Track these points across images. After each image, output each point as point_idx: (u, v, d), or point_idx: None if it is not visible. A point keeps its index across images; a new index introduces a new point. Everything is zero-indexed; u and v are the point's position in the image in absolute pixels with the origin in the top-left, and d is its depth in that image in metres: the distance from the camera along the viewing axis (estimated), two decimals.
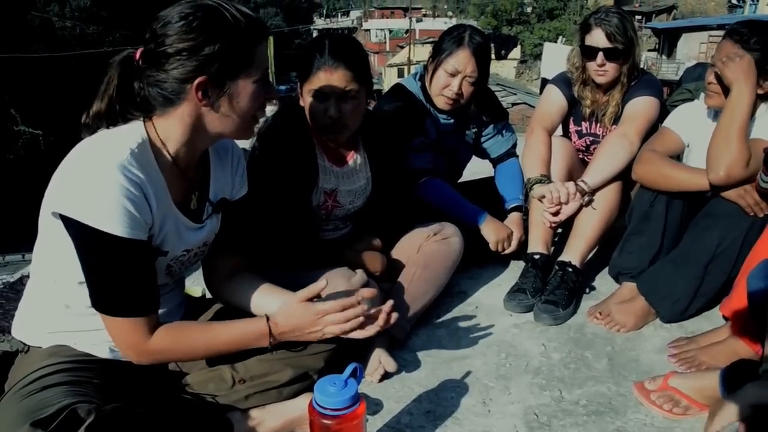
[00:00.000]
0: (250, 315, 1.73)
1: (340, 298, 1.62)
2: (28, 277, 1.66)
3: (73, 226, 1.35)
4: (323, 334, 1.58)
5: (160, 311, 1.66)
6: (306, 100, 2.12)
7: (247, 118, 1.51)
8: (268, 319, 1.57)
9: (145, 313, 1.45)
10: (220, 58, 1.40)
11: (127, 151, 1.39)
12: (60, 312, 1.53)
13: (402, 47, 41.73)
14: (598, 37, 2.63)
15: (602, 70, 2.67)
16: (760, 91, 2.21)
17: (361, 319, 1.58)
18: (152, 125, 1.48)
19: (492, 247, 2.69)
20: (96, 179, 1.34)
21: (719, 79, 2.21)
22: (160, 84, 1.42)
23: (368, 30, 56.14)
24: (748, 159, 2.11)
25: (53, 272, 1.50)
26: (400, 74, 35.03)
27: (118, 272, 1.39)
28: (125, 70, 1.47)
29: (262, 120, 1.88)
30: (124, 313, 1.43)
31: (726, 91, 2.19)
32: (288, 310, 1.58)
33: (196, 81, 1.40)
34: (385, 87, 26.75)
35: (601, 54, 2.63)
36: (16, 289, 2.26)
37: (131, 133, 1.45)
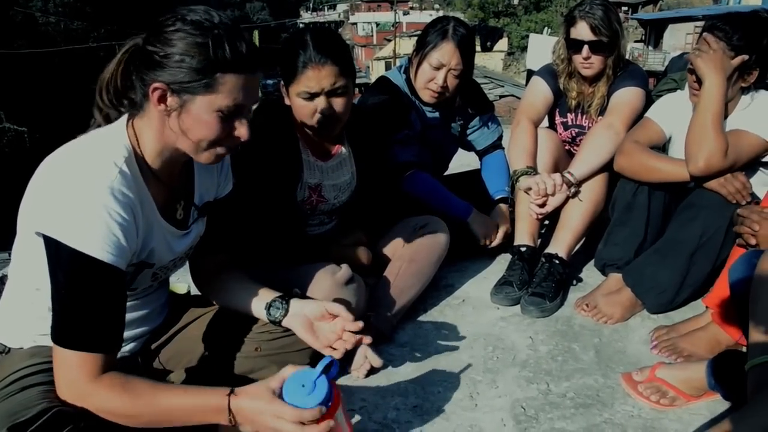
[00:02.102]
0: (237, 313, 1.73)
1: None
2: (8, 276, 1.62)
3: (55, 248, 1.30)
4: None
5: (143, 312, 1.65)
6: (294, 100, 2.08)
7: (200, 142, 1.42)
8: (230, 400, 1.35)
9: (102, 350, 1.34)
10: (183, 70, 1.34)
11: (116, 170, 1.35)
12: (42, 315, 1.47)
13: (389, 40, 41.62)
14: (582, 30, 2.61)
15: (588, 63, 2.66)
16: (743, 84, 2.24)
17: None
18: (134, 133, 1.44)
19: (481, 240, 2.68)
20: (87, 202, 1.30)
21: (694, 72, 2.23)
22: (138, 78, 1.40)
23: (355, 23, 56.07)
24: (726, 148, 2.13)
25: (35, 280, 1.44)
26: (387, 67, 34.87)
27: (90, 301, 1.32)
28: (132, 55, 1.43)
29: None
30: (81, 346, 1.31)
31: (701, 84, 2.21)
32: (255, 391, 1.36)
33: (154, 84, 1.36)
34: (373, 80, 26.70)
35: (586, 47, 2.62)
36: None
37: (117, 145, 1.41)
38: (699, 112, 2.18)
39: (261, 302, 1.70)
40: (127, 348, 1.65)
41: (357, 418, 1.83)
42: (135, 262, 1.47)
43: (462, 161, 3.34)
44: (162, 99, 1.37)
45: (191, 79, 1.34)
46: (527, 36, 32.86)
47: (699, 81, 2.21)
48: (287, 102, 2.12)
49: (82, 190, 1.31)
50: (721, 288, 2.02)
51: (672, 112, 2.43)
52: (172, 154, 1.48)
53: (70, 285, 1.31)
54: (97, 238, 1.30)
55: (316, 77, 1.99)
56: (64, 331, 1.33)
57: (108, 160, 1.36)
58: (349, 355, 2.01)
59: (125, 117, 1.46)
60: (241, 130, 1.43)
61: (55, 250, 1.30)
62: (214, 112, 1.38)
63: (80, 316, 1.32)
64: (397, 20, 40.07)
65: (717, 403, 1.83)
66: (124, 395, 1.32)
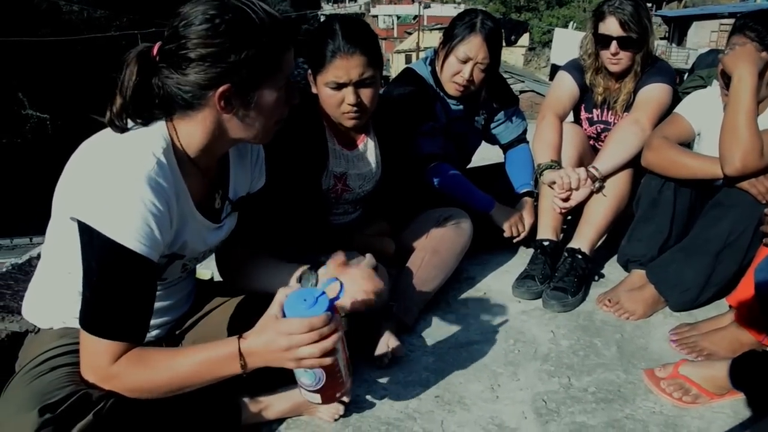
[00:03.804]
0: (260, 300, 1.73)
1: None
2: (36, 258, 1.64)
3: (89, 235, 1.30)
4: (298, 362, 1.35)
5: (170, 301, 1.67)
6: (321, 90, 2.08)
7: (269, 125, 1.46)
8: (239, 344, 1.36)
9: (129, 339, 1.34)
10: (246, 66, 1.33)
11: (153, 160, 1.33)
12: (73, 299, 1.45)
13: (410, 33, 41.58)
14: (611, 26, 2.59)
15: (616, 59, 2.64)
16: None
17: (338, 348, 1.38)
18: (173, 127, 1.42)
19: (507, 232, 2.68)
20: (123, 191, 1.29)
21: (724, 73, 2.19)
22: (180, 87, 1.35)
23: (376, 16, 55.87)
24: (761, 147, 2.08)
25: (68, 264, 1.44)
26: (408, 60, 34.87)
27: (121, 290, 1.32)
28: (144, 64, 1.36)
29: None
30: (109, 335, 1.32)
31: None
32: (260, 324, 1.37)
33: (219, 90, 1.33)
34: (393, 73, 26.67)
35: (614, 43, 2.59)
36: (25, 270, 2.25)
37: (155, 136, 1.38)
38: (730, 110, 2.12)
39: (292, 276, 1.69)
40: (152, 334, 1.66)
41: (378, 406, 1.84)
42: (167, 254, 1.48)
43: (483, 156, 3.34)
44: (227, 101, 1.36)
45: (258, 72, 1.35)
46: (549, 31, 32.66)
47: (728, 83, 2.16)
48: (314, 91, 2.13)
49: (120, 179, 1.30)
50: (745, 288, 2.00)
51: (702, 109, 2.40)
52: (219, 147, 1.48)
53: (102, 273, 1.31)
54: (132, 228, 1.29)
55: (345, 67, 1.99)
56: (93, 319, 1.33)
57: (146, 150, 1.35)
58: (372, 343, 2.03)
59: (161, 121, 1.42)
60: (293, 95, 1.47)
61: (89, 238, 1.30)
62: (277, 92, 1.40)
63: (110, 304, 1.32)
64: (419, 13, 39.93)
65: (740, 402, 1.82)
66: (141, 367, 1.34)
